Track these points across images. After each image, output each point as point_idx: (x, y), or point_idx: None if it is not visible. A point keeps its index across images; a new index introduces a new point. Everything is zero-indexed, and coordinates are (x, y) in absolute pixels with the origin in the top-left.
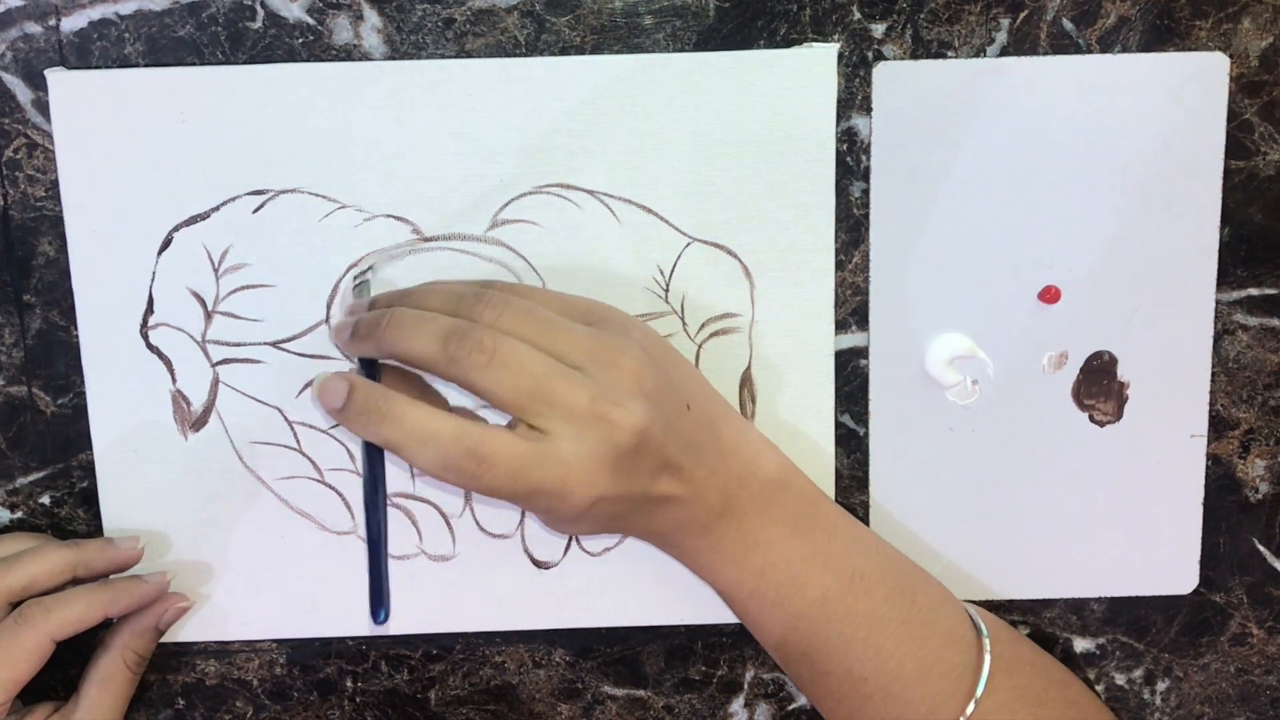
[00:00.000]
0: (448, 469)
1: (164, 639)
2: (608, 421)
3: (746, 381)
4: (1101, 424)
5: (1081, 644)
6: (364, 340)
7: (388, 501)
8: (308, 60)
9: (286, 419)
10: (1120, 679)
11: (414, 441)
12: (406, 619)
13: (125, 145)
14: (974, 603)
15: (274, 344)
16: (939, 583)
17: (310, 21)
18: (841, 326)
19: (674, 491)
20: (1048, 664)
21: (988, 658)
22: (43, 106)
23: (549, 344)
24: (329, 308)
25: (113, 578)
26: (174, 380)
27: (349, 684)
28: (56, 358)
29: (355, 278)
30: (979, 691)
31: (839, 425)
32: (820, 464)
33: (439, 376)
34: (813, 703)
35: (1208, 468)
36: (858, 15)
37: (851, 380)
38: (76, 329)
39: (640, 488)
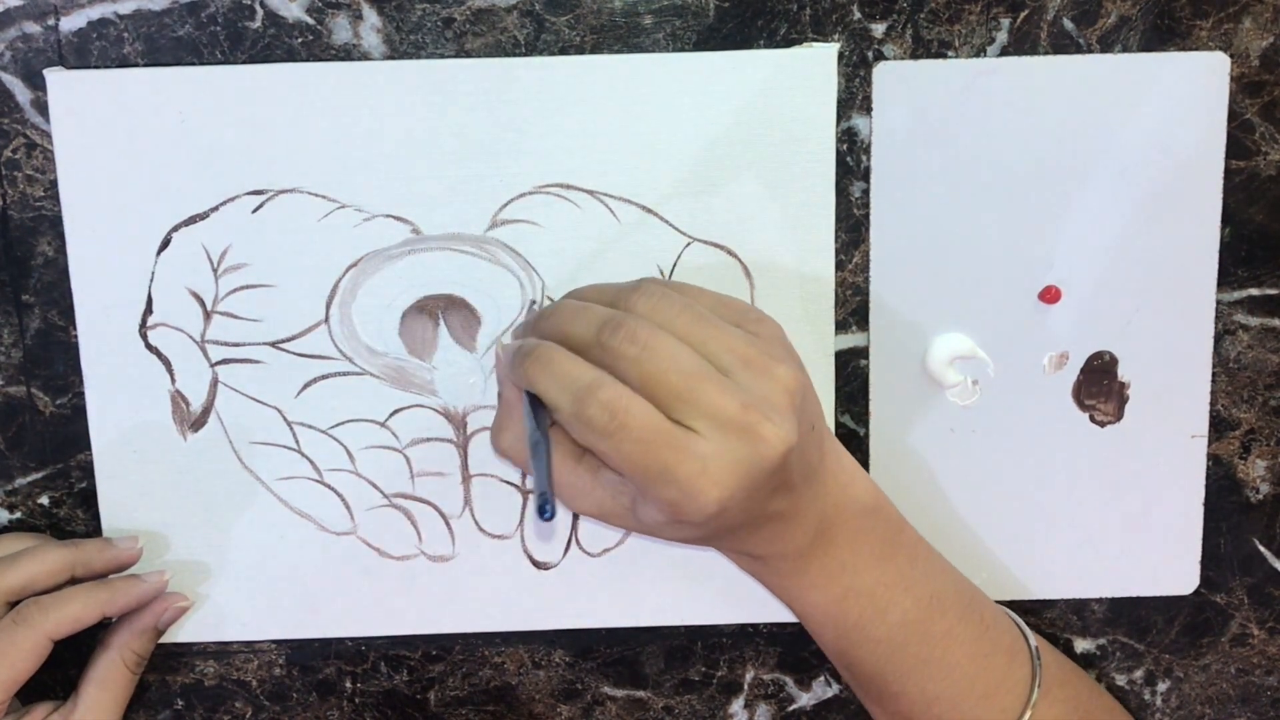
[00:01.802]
0: (580, 416)
1: (163, 639)
2: (755, 434)
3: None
4: (1102, 424)
5: (1082, 644)
6: (528, 330)
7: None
8: (307, 60)
9: (286, 419)
10: (1121, 680)
11: (553, 382)
12: (406, 619)
13: (124, 145)
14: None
15: (273, 344)
16: (992, 600)
17: (310, 21)
18: (841, 326)
19: (782, 509)
20: (1085, 676)
21: (1039, 668)
22: (41, 106)
23: (701, 342)
24: (328, 308)
25: (111, 577)
26: (173, 380)
27: (348, 685)
28: (55, 358)
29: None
30: (1034, 697)
31: (839, 425)
32: None
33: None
34: (878, 718)
35: (1208, 468)
36: (858, 15)
37: (851, 380)
38: (75, 329)
39: (761, 504)
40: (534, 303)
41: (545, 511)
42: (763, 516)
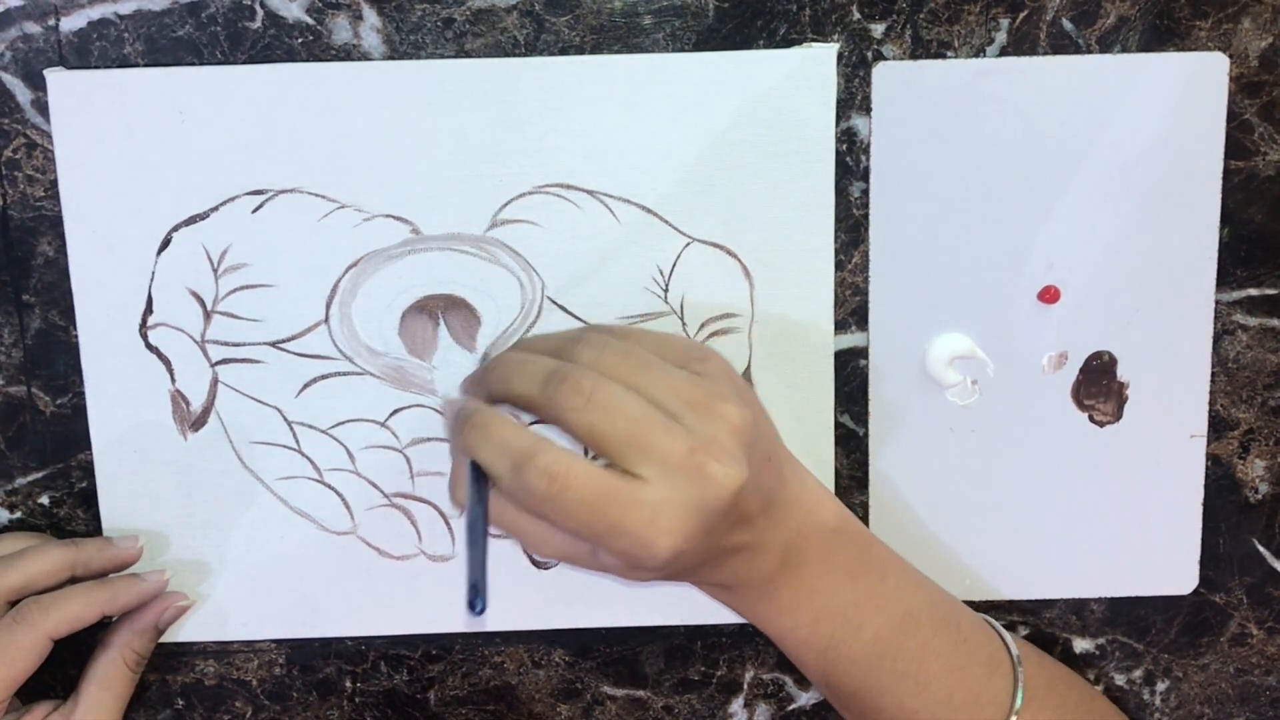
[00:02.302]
0: (520, 484)
1: (163, 639)
2: (704, 475)
3: (746, 381)
4: (1101, 424)
5: (1081, 644)
6: (475, 385)
7: (487, 522)
8: (307, 60)
9: (286, 419)
10: (1120, 679)
11: (491, 448)
12: (406, 619)
13: (124, 145)
14: (971, 603)
15: (273, 344)
16: (970, 610)
17: (309, 21)
18: (841, 326)
19: (743, 542)
20: (1077, 681)
21: (1021, 679)
22: (42, 106)
23: (647, 388)
24: (328, 308)
25: (111, 577)
26: (173, 380)
27: (348, 684)
28: (56, 358)
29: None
30: (1016, 706)
31: (839, 425)
32: (820, 464)
33: (541, 419)
34: None
35: (1207, 468)
36: (858, 15)
37: (851, 380)
38: (76, 329)
39: (719, 541)
40: (486, 355)
41: (476, 606)
42: (723, 552)
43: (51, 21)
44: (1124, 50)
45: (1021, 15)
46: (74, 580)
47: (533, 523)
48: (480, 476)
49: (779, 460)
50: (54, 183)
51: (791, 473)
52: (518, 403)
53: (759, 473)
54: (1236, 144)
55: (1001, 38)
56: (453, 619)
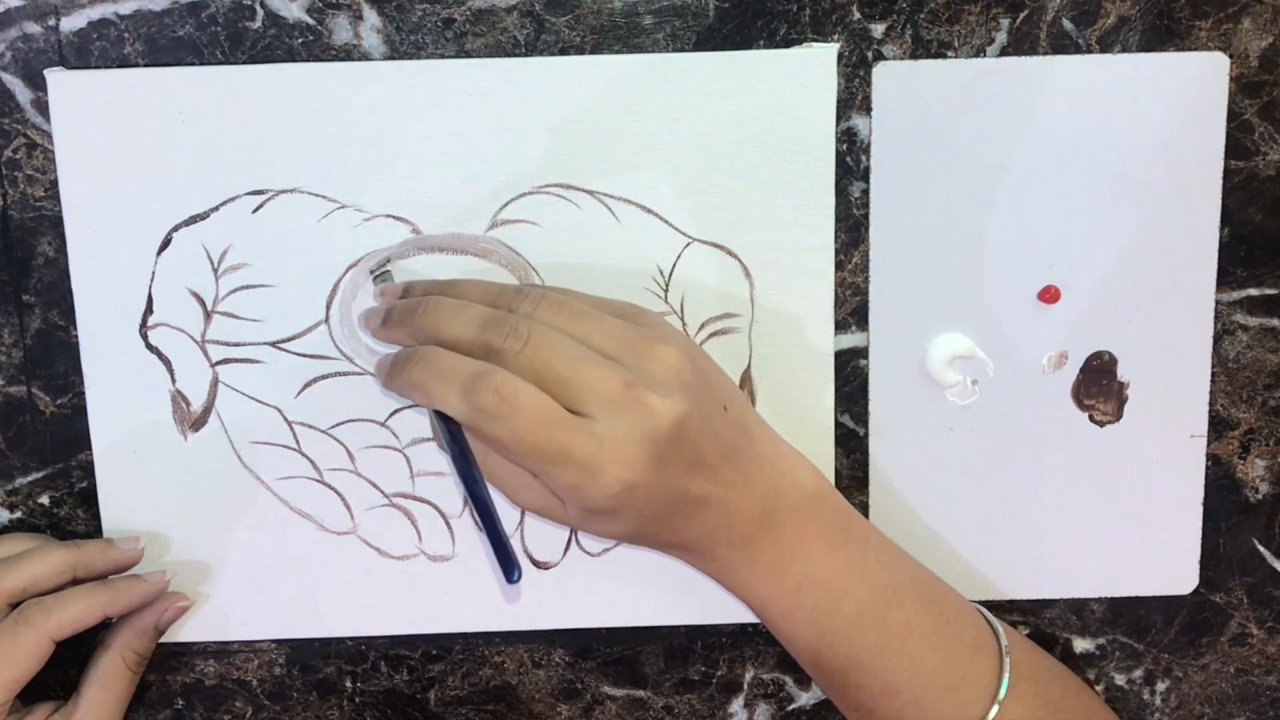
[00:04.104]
0: (470, 404)
1: (163, 639)
2: (644, 406)
3: (746, 381)
4: (1101, 424)
5: (1081, 644)
6: (397, 326)
7: (474, 474)
8: (307, 60)
9: (286, 419)
10: (1120, 679)
11: (438, 378)
12: (406, 619)
13: (125, 145)
14: (974, 603)
15: (273, 344)
16: (958, 592)
17: (310, 21)
18: (841, 326)
19: (710, 492)
20: (1061, 670)
21: (1008, 665)
22: (42, 106)
23: (584, 334)
24: (329, 308)
25: (112, 578)
26: (173, 380)
27: (348, 684)
28: (56, 358)
29: (373, 270)
30: (1001, 694)
31: (839, 425)
32: (820, 464)
33: None
34: (845, 713)
35: (1208, 468)
36: (858, 15)
37: (851, 380)
38: (76, 329)
39: (677, 484)
40: (389, 260)
41: (512, 575)
42: (685, 501)
43: (52, 21)
44: (1124, 50)
45: (1022, 15)
46: (75, 582)
47: (514, 469)
48: (453, 434)
49: (742, 415)
50: (54, 183)
51: (762, 434)
52: (450, 347)
53: (708, 414)
54: (1237, 144)
55: (1002, 38)
56: (453, 618)
